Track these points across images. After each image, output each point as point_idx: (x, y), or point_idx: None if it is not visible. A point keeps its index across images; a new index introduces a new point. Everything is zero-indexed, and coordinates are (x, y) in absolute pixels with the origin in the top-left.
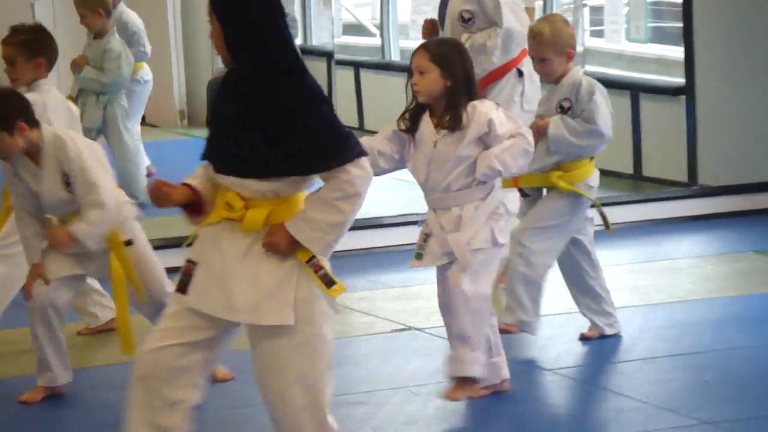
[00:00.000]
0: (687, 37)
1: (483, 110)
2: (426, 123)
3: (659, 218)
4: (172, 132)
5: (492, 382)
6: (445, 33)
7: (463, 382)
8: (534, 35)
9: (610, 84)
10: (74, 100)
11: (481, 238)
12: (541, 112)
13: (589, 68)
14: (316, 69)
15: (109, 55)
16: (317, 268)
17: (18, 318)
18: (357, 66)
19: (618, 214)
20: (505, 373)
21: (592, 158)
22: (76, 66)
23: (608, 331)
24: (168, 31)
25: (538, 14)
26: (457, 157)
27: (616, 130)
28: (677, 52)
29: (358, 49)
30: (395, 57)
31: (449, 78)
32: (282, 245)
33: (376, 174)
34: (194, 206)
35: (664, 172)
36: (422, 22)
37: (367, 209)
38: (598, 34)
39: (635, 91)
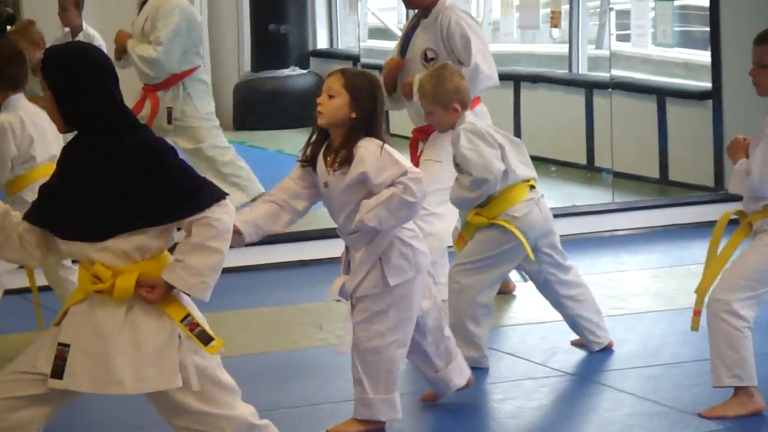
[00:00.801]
0: (714, 42)
1: (363, 153)
2: (320, 161)
3: (685, 223)
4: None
5: (444, 394)
6: (406, 70)
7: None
8: (418, 89)
9: (637, 88)
10: None
11: (366, 286)
12: None
13: (615, 72)
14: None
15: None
16: (193, 326)
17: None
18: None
19: (645, 219)
20: (458, 379)
21: (517, 185)
22: None
23: (595, 347)
24: None
25: (564, 18)
26: (339, 200)
27: (643, 135)
28: (704, 57)
29: (384, 53)
30: None
31: (356, 109)
32: (157, 297)
33: (301, 216)
34: None
35: (690, 177)
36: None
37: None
38: (624, 38)
39: (662, 95)
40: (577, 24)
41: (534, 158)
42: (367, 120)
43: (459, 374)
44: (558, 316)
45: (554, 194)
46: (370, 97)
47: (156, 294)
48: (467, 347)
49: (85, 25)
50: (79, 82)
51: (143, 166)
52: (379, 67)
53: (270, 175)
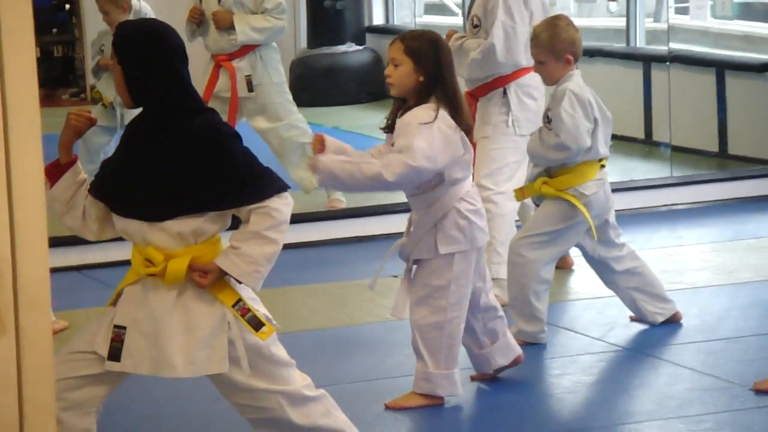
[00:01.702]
0: None
1: (405, 118)
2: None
3: (745, 197)
4: None
5: (484, 371)
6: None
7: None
8: (532, 38)
9: (695, 61)
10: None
11: (420, 249)
12: None
13: (673, 45)
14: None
15: None
16: (244, 311)
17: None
18: None
19: (703, 193)
20: (502, 359)
21: (591, 162)
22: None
23: (659, 319)
24: None
25: None
26: None
27: (701, 108)
28: (764, 29)
29: (439, 29)
30: None
31: (422, 73)
32: (209, 283)
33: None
34: (59, 170)
35: (749, 150)
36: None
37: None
38: (683, 11)
39: (721, 68)
40: None
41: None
42: (434, 80)
43: (503, 354)
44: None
45: (612, 168)
46: (433, 57)
47: (209, 279)
48: (527, 322)
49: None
50: (149, 61)
51: (209, 149)
52: None
53: None
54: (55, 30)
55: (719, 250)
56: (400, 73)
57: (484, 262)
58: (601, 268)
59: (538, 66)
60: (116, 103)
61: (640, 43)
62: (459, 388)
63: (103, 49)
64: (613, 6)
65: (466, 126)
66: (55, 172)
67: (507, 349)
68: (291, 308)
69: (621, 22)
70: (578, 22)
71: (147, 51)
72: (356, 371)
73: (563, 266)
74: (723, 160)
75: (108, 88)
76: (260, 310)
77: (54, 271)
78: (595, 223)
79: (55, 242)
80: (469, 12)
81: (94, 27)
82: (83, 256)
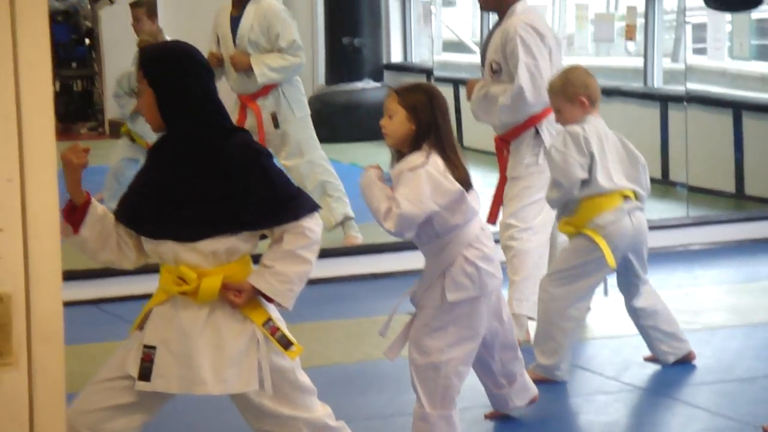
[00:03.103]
0: None
1: (397, 167)
2: None
3: (761, 237)
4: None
5: (501, 410)
6: (483, 79)
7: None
8: (548, 89)
9: (713, 102)
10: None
11: (428, 296)
12: None
13: (690, 86)
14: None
15: None
16: (273, 330)
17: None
18: (456, 83)
19: (720, 233)
20: (519, 400)
21: (606, 195)
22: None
23: (670, 359)
24: None
25: (639, 32)
26: None
27: (718, 149)
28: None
29: (457, 67)
30: None
31: (414, 122)
32: (243, 302)
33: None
34: (74, 214)
35: (766, 191)
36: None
37: None
38: (700, 51)
39: (738, 108)
40: (653, 37)
41: None
42: (428, 130)
43: (521, 395)
44: (632, 330)
45: None
46: (427, 106)
47: (243, 298)
48: (546, 356)
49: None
50: (183, 81)
51: (244, 169)
52: (452, 80)
53: (345, 187)
54: (74, 64)
55: (735, 291)
56: (395, 123)
57: (501, 303)
58: (631, 298)
59: (558, 116)
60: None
61: (658, 83)
62: (457, 428)
63: (135, 90)
64: (630, 46)
65: (461, 174)
66: (74, 215)
67: (524, 390)
68: (306, 344)
69: (639, 62)
70: (596, 61)
71: (179, 72)
72: (370, 408)
73: None
74: (739, 201)
75: (145, 129)
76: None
77: (69, 304)
78: (619, 254)
79: (70, 276)
80: (482, 58)
81: (114, 62)
82: (98, 289)
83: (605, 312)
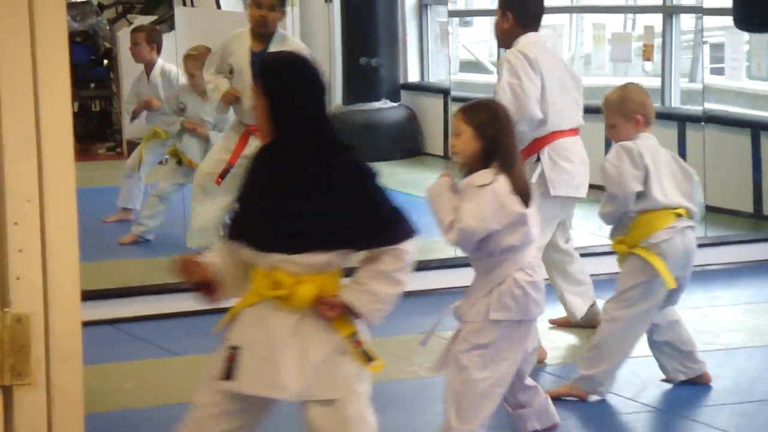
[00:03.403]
0: None
1: (464, 181)
2: None
3: None
4: None
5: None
6: None
7: None
8: (603, 103)
9: (730, 122)
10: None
11: (472, 312)
12: None
13: (708, 106)
14: (433, 106)
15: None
16: (358, 343)
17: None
18: None
19: (738, 253)
20: (537, 423)
21: (660, 211)
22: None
23: (680, 377)
24: None
25: (657, 51)
26: None
27: (736, 169)
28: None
29: (474, 86)
30: None
31: (481, 140)
32: (336, 316)
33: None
34: (209, 285)
35: None
36: None
37: (444, 249)
38: (718, 71)
39: (756, 129)
40: (670, 57)
41: None
42: (494, 146)
43: (540, 418)
44: (648, 350)
45: None
46: (492, 123)
47: (335, 313)
48: (592, 368)
49: (160, 61)
50: (297, 92)
51: (349, 188)
52: (469, 100)
53: None
54: (92, 85)
55: (754, 311)
56: (463, 141)
57: (534, 333)
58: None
59: (611, 131)
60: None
61: (675, 103)
62: None
63: (183, 108)
64: (648, 66)
65: (523, 192)
66: (209, 288)
67: (545, 414)
68: None
69: (656, 82)
70: (613, 81)
71: (294, 83)
72: (386, 428)
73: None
74: (757, 221)
75: (190, 148)
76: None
77: (86, 324)
78: (674, 272)
79: (88, 296)
80: None
81: (132, 82)
82: (116, 309)
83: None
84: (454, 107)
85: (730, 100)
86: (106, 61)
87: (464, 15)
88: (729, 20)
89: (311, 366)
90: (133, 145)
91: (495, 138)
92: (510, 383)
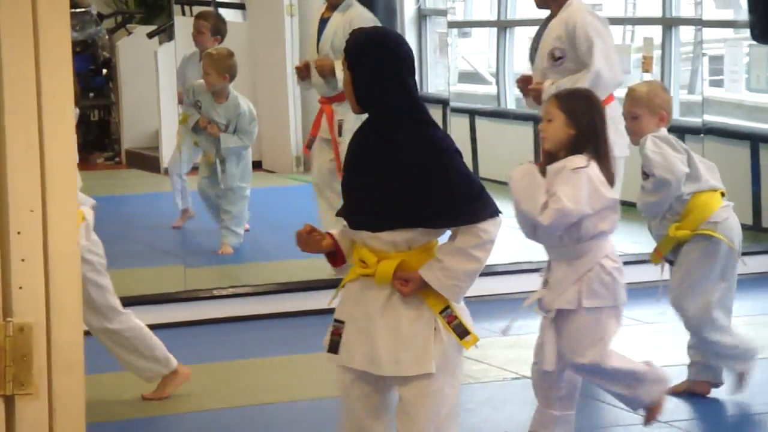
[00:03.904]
0: None
1: (556, 164)
2: None
3: None
4: (287, 178)
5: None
6: (535, 69)
7: None
8: (629, 93)
9: (729, 134)
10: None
11: (561, 301)
12: None
13: (707, 118)
14: (432, 116)
15: (244, 118)
16: (451, 318)
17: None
18: (472, 114)
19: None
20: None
21: (709, 192)
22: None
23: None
24: (285, 77)
25: (656, 63)
26: None
27: (735, 181)
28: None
29: (473, 97)
30: (510, 105)
31: (574, 126)
32: (415, 286)
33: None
34: (335, 255)
35: None
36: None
37: None
38: (717, 83)
39: (755, 141)
40: (669, 69)
41: (625, 203)
42: (587, 134)
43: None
44: (665, 360)
45: (645, 239)
46: (585, 111)
47: (409, 288)
48: (708, 359)
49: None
50: (379, 71)
51: (426, 166)
52: (468, 111)
53: None
54: (92, 94)
55: (754, 324)
56: (554, 127)
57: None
58: None
59: (632, 122)
60: (216, 158)
61: (675, 114)
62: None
63: (200, 105)
64: (647, 77)
65: (610, 178)
66: (335, 256)
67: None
68: (318, 374)
69: None
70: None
71: (377, 61)
72: None
73: None
74: (757, 233)
75: (209, 146)
76: (466, 319)
77: (89, 333)
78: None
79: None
80: (533, 51)
81: (130, 92)
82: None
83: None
84: (453, 118)
85: (729, 112)
86: (105, 71)
87: (463, 26)
88: (728, 32)
89: (402, 341)
90: (131, 155)
91: (588, 126)
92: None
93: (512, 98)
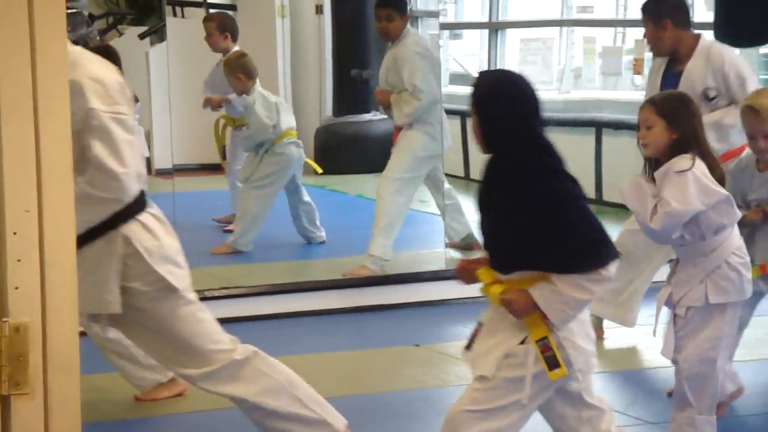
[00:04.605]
0: None
1: (662, 168)
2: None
3: None
4: None
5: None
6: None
7: None
8: (755, 111)
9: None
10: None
11: (690, 298)
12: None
13: None
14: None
15: (248, 110)
16: (546, 348)
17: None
18: (464, 115)
19: None
20: None
21: None
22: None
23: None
24: (277, 79)
25: (647, 65)
26: None
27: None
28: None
29: (465, 99)
30: None
31: (675, 131)
32: (518, 308)
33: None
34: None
35: None
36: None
37: (436, 261)
38: None
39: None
40: None
41: (614, 205)
42: (689, 136)
43: None
44: (638, 364)
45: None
46: (685, 114)
47: (516, 304)
48: None
49: (237, 49)
50: (503, 117)
51: (549, 215)
52: (459, 113)
53: (351, 219)
54: None
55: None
56: (654, 134)
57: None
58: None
59: (752, 142)
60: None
61: None
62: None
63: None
64: (638, 79)
65: (718, 175)
66: None
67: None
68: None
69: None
70: (603, 95)
71: (502, 107)
72: None
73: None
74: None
75: (232, 111)
76: (571, 353)
77: (85, 334)
78: None
79: None
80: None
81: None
82: None
83: (609, 344)
84: (444, 120)
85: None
86: None
87: (455, 27)
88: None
89: (494, 353)
90: None
91: (689, 129)
92: None
93: None
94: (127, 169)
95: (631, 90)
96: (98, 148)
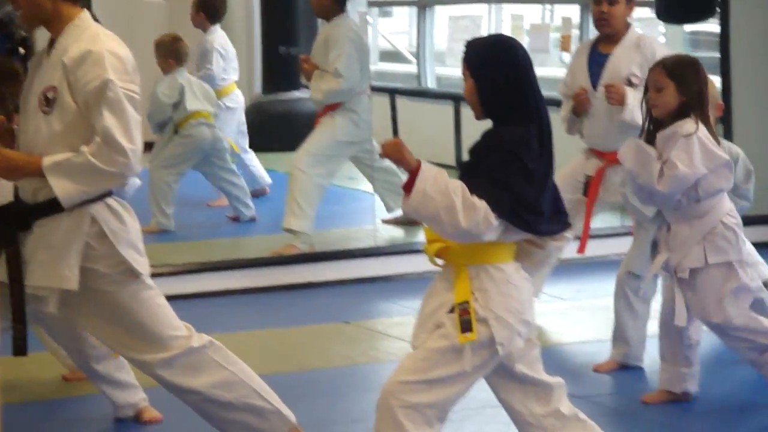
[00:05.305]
0: (724, 68)
1: (666, 131)
2: None
3: None
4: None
5: (671, 390)
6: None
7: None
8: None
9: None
10: None
11: (688, 260)
12: None
13: None
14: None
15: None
16: (464, 312)
17: None
18: (393, 93)
19: None
20: (689, 385)
21: None
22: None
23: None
24: None
25: (574, 42)
26: None
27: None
28: (714, 82)
29: (394, 76)
30: (431, 84)
31: (684, 93)
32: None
33: None
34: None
35: None
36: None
37: (364, 239)
38: None
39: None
40: None
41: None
42: (695, 100)
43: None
44: (581, 337)
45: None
46: (694, 78)
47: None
48: None
49: (215, 29)
50: (493, 73)
51: (489, 161)
52: (388, 90)
53: (281, 197)
54: None
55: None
56: (664, 96)
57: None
58: None
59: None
60: None
61: None
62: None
63: None
64: (565, 57)
65: (717, 140)
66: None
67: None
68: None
69: None
70: None
71: (493, 64)
72: (305, 417)
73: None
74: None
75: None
76: (493, 324)
77: None
78: None
79: None
80: (593, 78)
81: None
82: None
83: (552, 319)
84: (374, 97)
85: None
86: (22, 50)
87: (384, 5)
88: (648, 12)
89: (422, 316)
90: None
91: (696, 93)
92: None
93: (432, 77)
94: (135, 147)
95: (559, 66)
96: (109, 120)
